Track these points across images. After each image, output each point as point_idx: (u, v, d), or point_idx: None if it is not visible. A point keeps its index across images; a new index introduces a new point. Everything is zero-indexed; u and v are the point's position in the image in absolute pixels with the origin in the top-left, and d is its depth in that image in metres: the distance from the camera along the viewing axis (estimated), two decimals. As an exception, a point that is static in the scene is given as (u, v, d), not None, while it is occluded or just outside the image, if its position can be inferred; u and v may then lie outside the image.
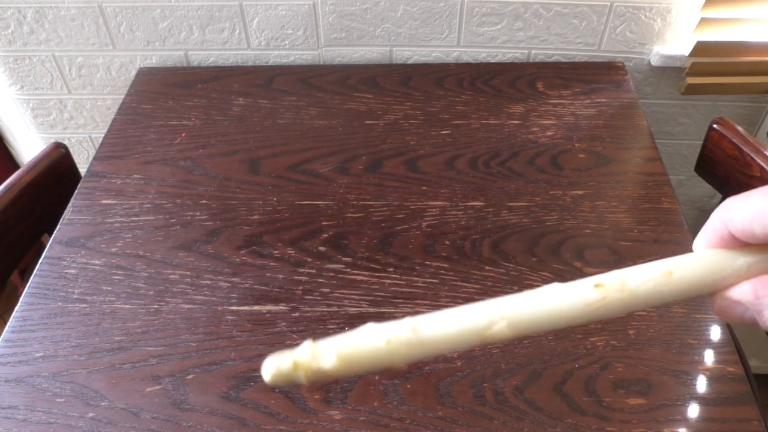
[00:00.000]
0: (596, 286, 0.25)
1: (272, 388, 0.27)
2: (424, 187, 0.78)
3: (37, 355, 0.62)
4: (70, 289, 0.68)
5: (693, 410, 0.57)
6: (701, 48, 0.94)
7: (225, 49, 1.02)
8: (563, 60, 1.01)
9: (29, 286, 0.69)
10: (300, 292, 0.67)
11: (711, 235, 0.25)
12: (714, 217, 0.25)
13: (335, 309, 0.65)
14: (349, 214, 0.75)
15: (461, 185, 0.78)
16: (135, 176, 0.81)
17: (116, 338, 0.64)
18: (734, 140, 0.78)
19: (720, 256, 0.25)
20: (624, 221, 0.74)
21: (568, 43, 0.99)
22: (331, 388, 0.59)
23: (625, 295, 0.25)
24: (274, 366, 0.26)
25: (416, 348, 0.26)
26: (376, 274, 0.69)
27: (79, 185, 0.80)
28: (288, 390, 0.59)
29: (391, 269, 0.69)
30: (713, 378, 0.59)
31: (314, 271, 0.69)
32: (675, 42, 0.97)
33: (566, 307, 0.26)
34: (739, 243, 0.24)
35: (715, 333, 0.62)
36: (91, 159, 0.84)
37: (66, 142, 1.05)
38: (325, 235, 0.73)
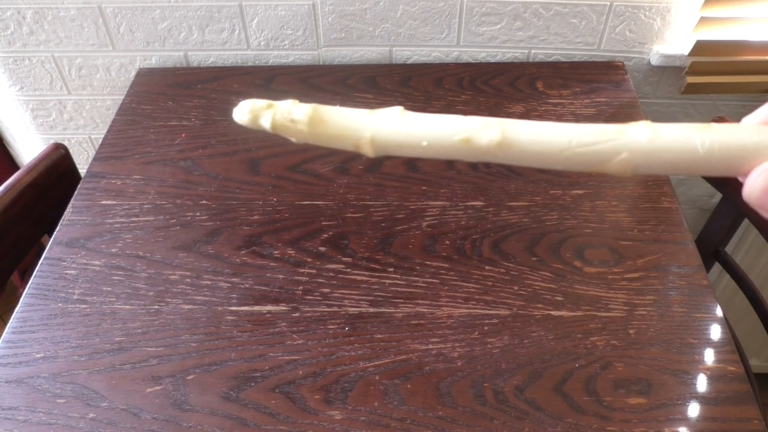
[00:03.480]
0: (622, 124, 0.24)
1: (237, 122, 0.28)
2: (424, 187, 0.78)
3: (37, 355, 0.62)
4: (70, 290, 0.68)
5: (693, 409, 0.57)
6: (701, 47, 0.94)
7: (225, 50, 1.02)
8: (563, 59, 1.01)
9: (29, 287, 0.69)
10: (300, 292, 0.67)
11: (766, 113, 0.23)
12: None
13: (335, 309, 0.65)
14: (349, 214, 0.75)
15: (461, 185, 0.78)
16: (135, 177, 0.81)
17: (116, 339, 0.64)
18: (734, 139, 0.78)
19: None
20: (624, 221, 0.73)
21: (567, 43, 0.99)
22: (331, 388, 0.59)
23: (650, 138, 0.23)
24: (249, 101, 0.28)
25: (385, 139, 0.25)
26: (376, 274, 0.69)
27: (78, 186, 0.80)
28: (288, 390, 0.59)
29: (391, 269, 0.69)
30: (713, 377, 0.59)
31: (314, 271, 0.69)
32: (675, 41, 0.97)
33: (561, 136, 0.24)
34: None
35: (716, 332, 0.62)
36: (90, 160, 0.84)
37: (66, 143, 1.05)
38: (325, 235, 0.73)
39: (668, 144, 0.23)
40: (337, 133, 0.26)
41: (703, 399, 0.57)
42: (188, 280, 0.69)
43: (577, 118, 0.87)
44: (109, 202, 0.78)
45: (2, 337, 0.64)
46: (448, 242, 0.72)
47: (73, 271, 0.70)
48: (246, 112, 0.28)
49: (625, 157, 0.24)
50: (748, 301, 0.83)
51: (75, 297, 0.67)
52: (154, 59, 1.04)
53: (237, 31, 1.00)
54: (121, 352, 0.62)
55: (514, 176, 0.79)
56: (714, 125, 0.23)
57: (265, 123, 0.28)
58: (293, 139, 0.28)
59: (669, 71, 1.01)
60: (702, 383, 0.58)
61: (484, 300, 0.66)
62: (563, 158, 0.25)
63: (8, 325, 0.65)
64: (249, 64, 1.04)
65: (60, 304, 0.67)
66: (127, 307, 0.66)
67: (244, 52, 1.02)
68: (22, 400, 0.59)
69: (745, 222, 0.88)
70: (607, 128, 0.24)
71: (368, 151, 0.26)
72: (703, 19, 0.92)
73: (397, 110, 0.27)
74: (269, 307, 0.66)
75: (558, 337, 0.62)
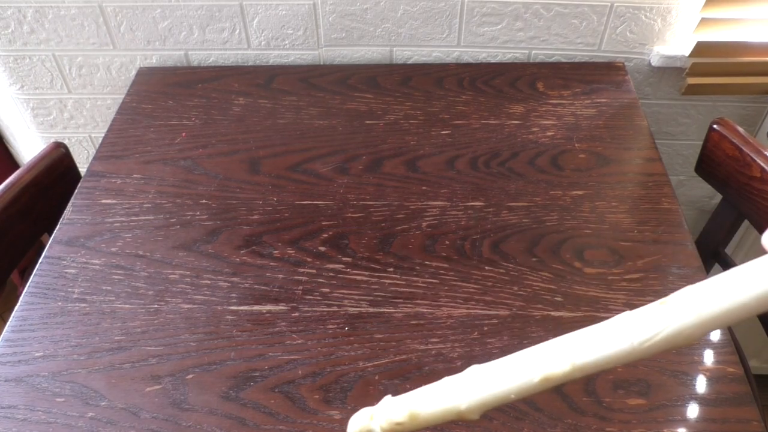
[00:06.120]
0: (661, 303, 0.25)
1: None
2: (424, 187, 0.78)
3: (36, 354, 0.62)
4: (69, 289, 0.68)
5: (693, 411, 0.57)
6: (701, 48, 0.94)
7: (225, 49, 1.02)
8: (563, 60, 1.01)
9: (29, 286, 0.69)
10: (300, 292, 0.67)
11: None
12: None
13: (335, 309, 0.65)
14: (349, 214, 0.75)
15: (461, 185, 0.78)
16: (135, 176, 0.81)
17: (116, 338, 0.64)
18: (734, 141, 0.78)
19: None
20: (624, 221, 0.73)
21: (568, 44, 0.99)
22: (330, 387, 0.59)
23: (698, 310, 0.23)
24: (356, 418, 0.31)
25: (480, 405, 0.28)
26: (376, 274, 0.69)
27: (79, 185, 0.80)
28: (288, 390, 0.59)
29: (391, 269, 0.69)
30: (713, 378, 0.59)
31: (314, 271, 0.69)
32: (675, 42, 0.97)
33: (611, 347, 0.25)
34: None
35: (715, 333, 0.62)
36: (91, 158, 0.84)
37: (66, 142, 1.05)
38: (325, 235, 0.73)
39: (719, 307, 0.24)
40: (438, 416, 0.30)
41: (702, 400, 0.57)
42: (188, 279, 0.69)
43: (578, 118, 0.87)
44: (109, 201, 0.78)
45: (2, 336, 0.64)
46: (447, 242, 0.72)
47: (72, 270, 0.70)
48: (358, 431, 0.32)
49: (691, 333, 0.24)
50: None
51: (75, 296, 0.67)
52: (155, 58, 1.04)
53: (237, 31, 0.99)
54: (120, 351, 0.62)
55: (515, 177, 0.79)
56: (743, 267, 0.23)
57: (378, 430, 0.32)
58: None
59: (669, 72, 1.01)
60: (701, 384, 0.58)
61: (483, 300, 0.66)
62: (635, 356, 0.26)
63: (8, 323, 0.65)
64: (249, 63, 1.04)
65: (60, 303, 0.67)
66: (127, 306, 0.66)
67: (244, 51, 1.02)
68: (22, 398, 0.59)
69: (745, 223, 0.88)
70: (656, 313, 0.25)
71: (472, 418, 0.30)
72: (704, 20, 0.92)
73: (473, 370, 0.29)
74: (269, 307, 0.66)
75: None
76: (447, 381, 0.30)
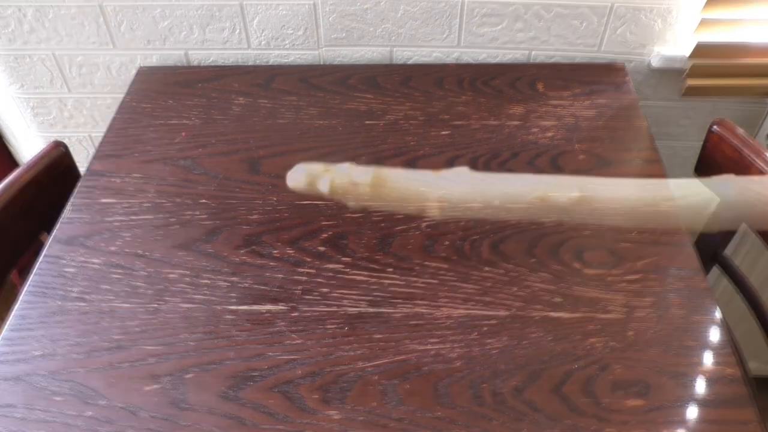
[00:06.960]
0: None
1: (292, 188, 0.26)
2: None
3: (35, 353, 0.62)
4: (68, 288, 0.68)
5: (691, 412, 0.57)
6: (702, 49, 0.94)
7: (225, 49, 1.02)
8: (563, 61, 1.01)
9: (28, 285, 0.69)
10: (299, 291, 0.67)
11: None
12: None
13: (334, 309, 0.65)
14: (349, 214, 0.75)
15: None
16: (134, 175, 0.81)
17: (115, 337, 0.64)
18: (734, 142, 0.78)
19: None
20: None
21: (568, 44, 0.99)
22: (330, 387, 0.59)
23: (738, 191, 0.22)
24: (304, 166, 0.26)
25: (452, 199, 0.25)
26: (375, 274, 0.69)
27: (78, 184, 0.80)
28: (287, 390, 0.59)
29: (390, 269, 0.69)
30: (712, 380, 0.59)
31: (313, 270, 0.69)
32: (675, 43, 0.97)
33: None
34: None
35: (714, 335, 0.62)
36: (90, 158, 0.84)
37: (66, 141, 1.05)
38: (325, 235, 0.73)
39: (754, 195, 0.23)
40: (403, 195, 0.26)
41: (701, 401, 0.57)
42: (187, 278, 0.69)
43: (578, 119, 0.87)
44: (109, 200, 0.78)
45: (1, 335, 0.64)
46: (447, 243, 0.72)
47: (72, 269, 0.70)
48: (302, 177, 0.28)
49: (718, 212, 0.23)
50: (747, 304, 0.83)
51: (74, 295, 0.67)
52: (155, 58, 1.03)
53: (238, 31, 1.00)
54: (119, 351, 0.62)
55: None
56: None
57: (323, 187, 0.27)
58: (351, 204, 0.27)
59: (669, 73, 1.01)
60: (700, 386, 0.58)
61: (483, 301, 0.66)
62: (644, 214, 0.24)
63: (7, 322, 0.65)
64: (249, 63, 1.04)
65: (59, 302, 0.67)
66: (126, 305, 0.66)
67: (244, 51, 1.02)
68: (20, 397, 0.59)
69: (744, 225, 0.88)
70: (690, 182, 0.23)
71: (435, 213, 0.26)
72: (704, 21, 0.92)
73: (464, 170, 0.26)
74: (268, 307, 0.66)
75: (557, 339, 0.62)
76: (430, 171, 0.27)
